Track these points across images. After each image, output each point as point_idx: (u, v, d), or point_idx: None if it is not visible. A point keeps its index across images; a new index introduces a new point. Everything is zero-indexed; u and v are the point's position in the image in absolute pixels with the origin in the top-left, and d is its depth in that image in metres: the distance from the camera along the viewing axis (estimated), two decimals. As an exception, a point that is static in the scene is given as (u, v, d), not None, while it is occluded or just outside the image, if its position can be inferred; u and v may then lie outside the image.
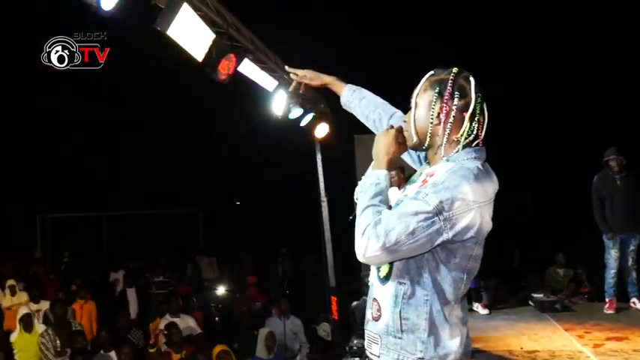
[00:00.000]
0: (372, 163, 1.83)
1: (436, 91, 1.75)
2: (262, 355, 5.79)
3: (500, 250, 10.49)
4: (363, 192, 1.74)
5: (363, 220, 1.64)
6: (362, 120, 2.27)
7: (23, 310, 6.33)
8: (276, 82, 5.38)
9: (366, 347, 1.83)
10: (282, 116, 5.88)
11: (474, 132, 1.75)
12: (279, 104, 5.69)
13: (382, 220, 1.60)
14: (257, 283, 9.81)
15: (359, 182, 1.84)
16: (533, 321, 6.00)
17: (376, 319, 1.76)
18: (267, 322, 6.73)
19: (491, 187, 1.71)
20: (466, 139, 1.74)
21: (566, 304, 6.46)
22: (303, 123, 6.51)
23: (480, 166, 1.71)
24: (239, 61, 4.44)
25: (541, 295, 6.53)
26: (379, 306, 1.76)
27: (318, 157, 7.47)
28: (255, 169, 14.39)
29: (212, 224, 15.83)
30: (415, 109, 1.79)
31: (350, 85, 2.30)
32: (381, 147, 1.81)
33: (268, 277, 11.41)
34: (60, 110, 12.34)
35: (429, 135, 1.77)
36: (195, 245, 14.77)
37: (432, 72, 1.81)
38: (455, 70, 1.76)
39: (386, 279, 1.75)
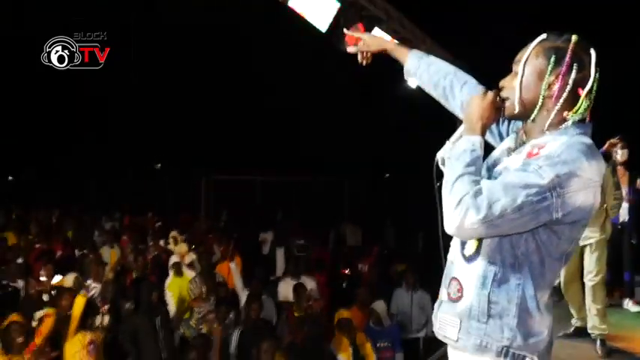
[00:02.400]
0: (463, 126, 1.69)
1: (551, 60, 1.58)
2: (375, 324, 5.85)
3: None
4: (455, 158, 1.59)
5: (458, 189, 1.49)
6: (429, 89, 2.08)
7: (174, 259, 7.14)
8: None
9: (437, 330, 1.75)
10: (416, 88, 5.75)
11: (586, 110, 1.60)
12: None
13: (484, 190, 1.46)
14: (391, 254, 9.84)
15: (445, 147, 1.71)
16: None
17: (455, 300, 1.66)
18: (394, 294, 6.77)
19: (603, 165, 1.57)
20: (578, 116, 1.59)
21: None
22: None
23: (589, 143, 1.56)
24: (368, 31, 4.41)
25: None
26: (460, 286, 1.65)
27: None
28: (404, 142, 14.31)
29: (358, 194, 16.14)
30: (522, 75, 1.62)
31: (415, 51, 2.13)
32: (476, 110, 1.64)
33: (406, 249, 11.35)
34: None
35: (538, 107, 1.61)
36: (341, 213, 15.20)
37: (544, 36, 1.63)
38: (574, 38, 1.59)
39: (473, 258, 1.63)
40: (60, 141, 18.12)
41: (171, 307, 6.60)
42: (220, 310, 5.57)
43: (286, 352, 4.81)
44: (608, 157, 5.66)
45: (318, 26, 3.83)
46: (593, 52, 1.58)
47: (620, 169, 5.65)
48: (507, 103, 1.67)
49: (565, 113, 1.59)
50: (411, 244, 11.92)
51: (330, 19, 3.88)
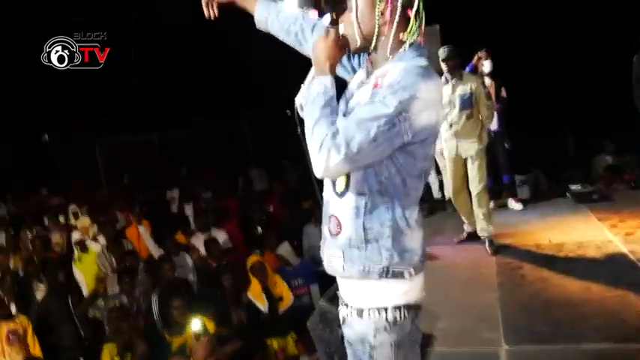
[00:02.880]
0: (312, 69, 1.74)
1: None
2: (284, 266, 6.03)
3: (549, 140, 10.23)
4: (311, 103, 1.65)
5: (318, 133, 1.58)
6: (282, 37, 2.12)
7: (76, 235, 6.88)
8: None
9: (326, 266, 1.85)
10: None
11: (418, 30, 1.70)
12: (290, 3, 5.49)
13: (340, 129, 1.55)
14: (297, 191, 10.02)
15: (301, 92, 1.77)
16: (568, 213, 5.91)
17: (336, 234, 1.75)
18: (304, 229, 6.97)
19: (440, 84, 1.73)
20: (412, 37, 1.69)
21: (605, 194, 6.25)
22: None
23: (425, 64, 1.66)
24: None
25: (578, 186, 6.34)
26: (338, 221, 1.74)
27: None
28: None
29: (260, 138, 16.06)
30: (356, 8, 1.70)
31: (262, 0, 2.15)
32: (322, 51, 1.69)
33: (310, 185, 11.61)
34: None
35: (376, 35, 1.70)
36: (246, 158, 15.14)
37: None
38: None
39: (344, 193, 1.73)
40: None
41: (83, 286, 6.43)
42: (123, 280, 5.47)
43: (202, 305, 4.87)
44: (476, 70, 6.05)
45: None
46: None
47: (487, 79, 6.07)
48: (349, 38, 1.74)
49: (401, 35, 1.69)
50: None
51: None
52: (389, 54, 1.71)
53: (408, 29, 1.69)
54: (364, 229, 1.69)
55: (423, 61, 1.66)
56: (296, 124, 1.77)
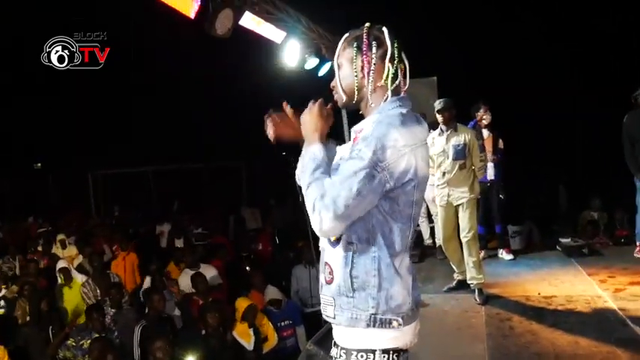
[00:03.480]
0: (305, 143, 1.84)
1: (354, 46, 1.81)
2: (272, 307, 5.97)
3: (540, 192, 10.34)
4: (302, 171, 1.76)
5: (310, 197, 1.67)
6: None
7: (61, 264, 6.79)
8: (284, 33, 5.32)
9: (322, 311, 1.87)
10: (297, 67, 5.85)
11: (398, 77, 1.80)
12: (292, 55, 5.64)
13: (327, 190, 1.64)
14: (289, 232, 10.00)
15: (298, 165, 1.86)
16: (557, 266, 5.91)
17: (329, 282, 1.80)
18: (293, 270, 6.93)
19: (419, 129, 1.76)
20: (392, 84, 1.79)
21: (595, 249, 6.29)
22: (322, 73, 6.43)
23: (404, 112, 1.75)
24: (238, 15, 4.41)
25: (568, 240, 6.37)
26: (331, 269, 1.80)
27: (344, 112, 7.38)
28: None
29: (255, 177, 16.12)
30: (339, 70, 1.86)
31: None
32: (308, 125, 1.82)
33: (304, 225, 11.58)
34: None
35: (357, 89, 1.81)
36: (239, 197, 15.14)
37: (346, 34, 1.86)
38: (367, 24, 1.83)
39: (336, 242, 1.78)
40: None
41: (66, 316, 6.30)
42: (91, 317, 5.35)
43: (188, 344, 4.79)
44: (479, 125, 6.22)
45: (185, 12, 3.77)
46: (385, 29, 1.80)
47: (485, 131, 6.20)
48: (336, 97, 1.88)
49: (378, 84, 1.79)
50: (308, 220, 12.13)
51: (196, 5, 3.83)
52: (372, 104, 1.82)
53: (384, 75, 1.78)
54: (351, 277, 1.73)
55: (401, 110, 1.75)
56: (290, 168, 1.92)
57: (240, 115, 14.97)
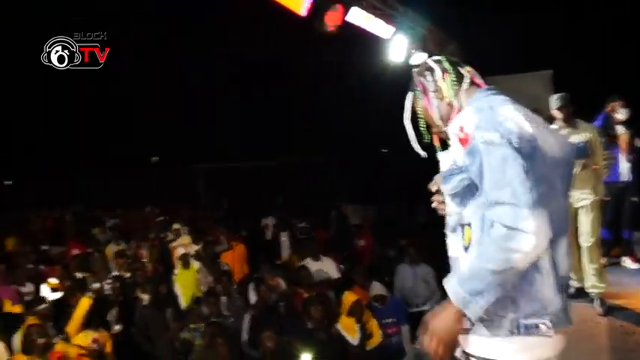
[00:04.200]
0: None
1: (426, 79, 1.92)
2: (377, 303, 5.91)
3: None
4: (467, 280, 1.55)
5: (491, 254, 1.50)
6: None
7: (181, 250, 7.24)
8: (393, 29, 5.27)
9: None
10: (403, 63, 5.78)
11: (462, 80, 1.86)
12: (399, 50, 5.58)
13: (494, 218, 1.52)
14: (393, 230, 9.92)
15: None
16: (692, 277, 5.34)
17: None
18: (397, 269, 6.85)
19: (513, 106, 1.70)
20: (455, 89, 1.85)
21: None
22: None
23: (493, 95, 1.79)
24: (346, 11, 4.42)
25: None
26: None
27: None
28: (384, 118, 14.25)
29: (357, 172, 16.17)
30: (429, 105, 1.92)
31: None
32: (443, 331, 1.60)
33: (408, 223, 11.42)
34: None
35: (439, 115, 1.89)
36: (341, 192, 15.25)
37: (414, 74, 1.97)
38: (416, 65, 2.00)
39: (468, 246, 1.67)
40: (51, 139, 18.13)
41: (181, 299, 6.73)
42: (209, 302, 5.61)
43: (294, 335, 4.90)
44: (609, 119, 5.71)
45: (296, 10, 3.85)
46: (433, 59, 1.93)
47: (620, 128, 5.70)
48: (436, 131, 1.94)
49: (447, 101, 1.86)
50: (411, 218, 11.95)
51: (307, 3, 3.89)
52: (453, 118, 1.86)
53: (444, 94, 1.87)
54: None
55: (490, 96, 1.79)
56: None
57: (345, 112, 15.15)
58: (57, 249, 8.69)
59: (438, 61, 1.89)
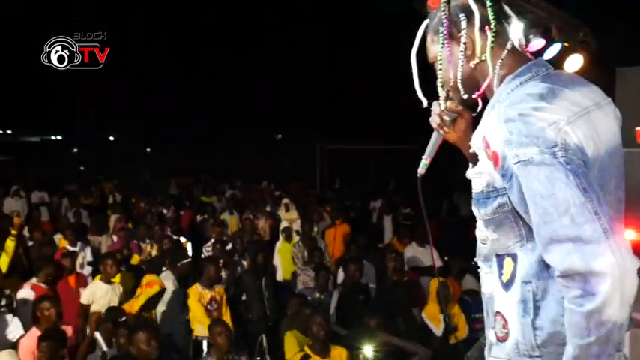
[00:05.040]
0: None
1: (441, 31, 1.40)
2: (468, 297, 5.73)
3: None
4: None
5: (576, 322, 1.12)
6: None
7: (284, 224, 7.58)
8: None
9: None
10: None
11: (506, 40, 1.35)
12: (512, 35, 5.27)
13: (554, 266, 1.15)
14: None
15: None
16: None
17: (502, 339, 1.34)
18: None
19: (572, 94, 1.24)
20: (494, 56, 1.34)
21: None
22: (547, 56, 5.84)
23: (536, 86, 1.26)
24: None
25: None
26: (505, 321, 1.33)
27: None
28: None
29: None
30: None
31: None
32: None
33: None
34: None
35: (460, 78, 1.40)
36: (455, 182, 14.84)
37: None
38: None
39: (511, 282, 1.32)
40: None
41: (280, 270, 7.10)
42: (320, 275, 5.83)
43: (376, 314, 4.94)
44: None
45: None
46: None
47: None
48: (452, 97, 1.49)
49: (471, 63, 1.37)
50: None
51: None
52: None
53: (477, 50, 1.35)
54: (534, 329, 1.26)
55: (528, 86, 1.27)
56: None
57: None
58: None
59: (482, 3, 1.33)
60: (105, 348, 4.33)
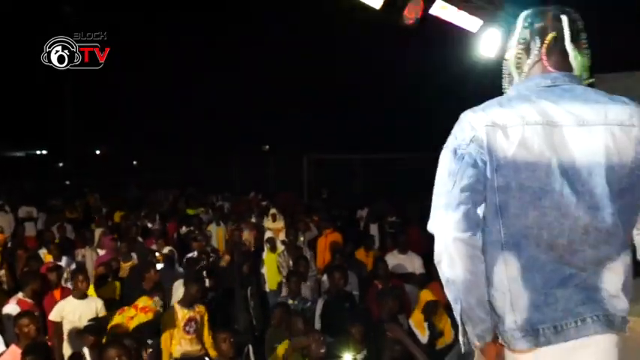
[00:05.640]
0: None
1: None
2: None
3: None
4: None
5: None
6: None
7: (268, 234, 7.59)
8: (480, 21, 5.09)
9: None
10: (496, 57, 5.56)
11: (530, 56, 1.65)
12: (490, 44, 5.38)
13: None
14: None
15: None
16: None
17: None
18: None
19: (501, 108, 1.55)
20: (518, 69, 1.67)
21: None
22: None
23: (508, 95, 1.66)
24: (429, 3, 4.38)
25: None
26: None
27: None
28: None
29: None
30: None
31: None
32: None
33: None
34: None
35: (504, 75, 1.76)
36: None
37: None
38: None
39: None
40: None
41: (267, 281, 7.09)
42: (291, 281, 5.81)
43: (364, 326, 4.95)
44: None
45: (370, 3, 3.87)
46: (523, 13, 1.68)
47: None
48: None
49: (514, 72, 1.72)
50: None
51: (382, -5, 3.90)
52: None
53: (512, 62, 1.70)
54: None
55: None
56: None
57: (440, 109, 14.81)
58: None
59: (525, 24, 1.65)
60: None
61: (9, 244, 7.74)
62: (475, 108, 1.55)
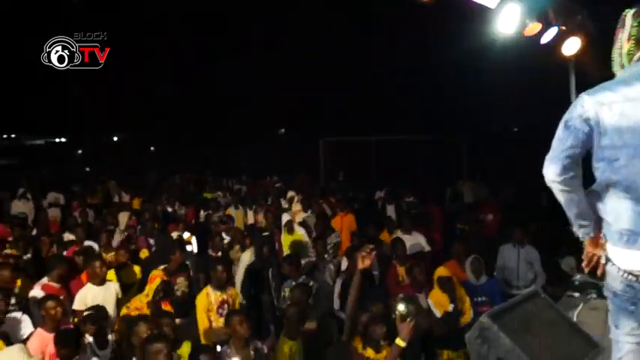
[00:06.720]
0: None
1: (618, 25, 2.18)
2: (471, 279, 5.78)
3: None
4: None
5: None
6: None
7: (286, 217, 7.64)
8: (498, -4, 4.99)
9: None
10: (514, 34, 5.46)
11: (630, 55, 2.11)
12: (509, 20, 5.28)
13: None
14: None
15: None
16: None
17: None
18: (501, 249, 6.63)
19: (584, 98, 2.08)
20: (629, 61, 2.12)
21: None
22: (544, 40, 5.83)
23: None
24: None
25: None
26: None
27: (572, 79, 6.60)
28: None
29: (476, 154, 15.61)
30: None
31: None
32: None
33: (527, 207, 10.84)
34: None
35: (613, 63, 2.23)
36: (459, 171, 14.87)
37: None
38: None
39: None
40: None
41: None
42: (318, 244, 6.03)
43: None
44: None
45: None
46: (629, 10, 2.12)
47: None
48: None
49: (623, 61, 2.18)
50: (533, 202, 11.32)
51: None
52: None
53: (624, 54, 2.15)
54: None
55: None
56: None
57: (458, 88, 14.64)
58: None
59: (634, 23, 2.08)
60: (97, 350, 4.20)
61: (34, 231, 7.89)
62: (589, 90, 2.08)
